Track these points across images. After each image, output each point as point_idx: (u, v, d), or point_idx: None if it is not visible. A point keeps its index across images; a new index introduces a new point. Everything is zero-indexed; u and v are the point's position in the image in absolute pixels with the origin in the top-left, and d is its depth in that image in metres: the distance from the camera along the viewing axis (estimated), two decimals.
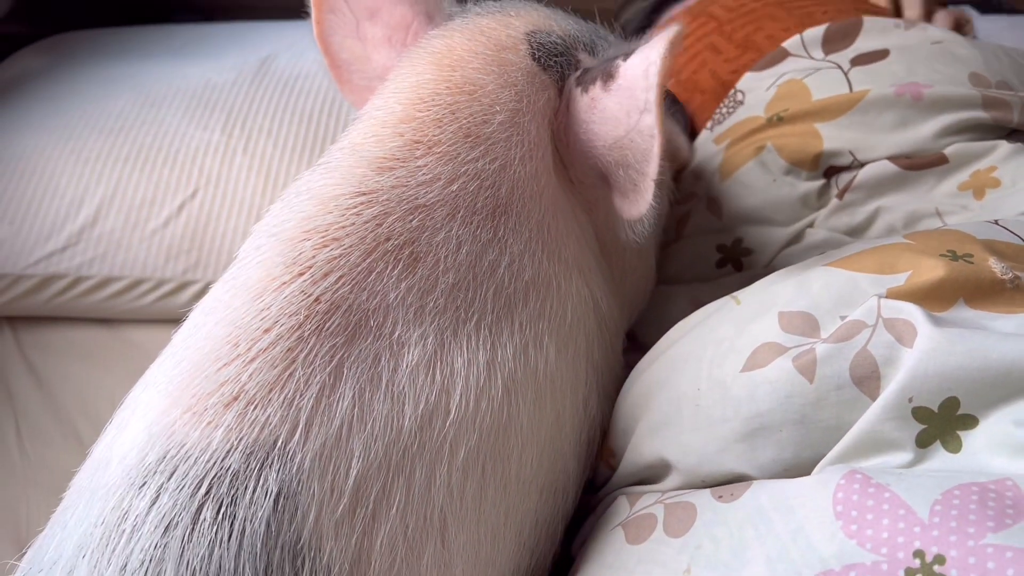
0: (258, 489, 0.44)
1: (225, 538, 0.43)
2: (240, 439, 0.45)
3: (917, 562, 0.41)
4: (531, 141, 0.60)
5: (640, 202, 0.60)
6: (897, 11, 0.98)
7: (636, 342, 0.79)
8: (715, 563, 0.47)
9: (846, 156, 0.76)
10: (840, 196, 0.76)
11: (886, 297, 0.50)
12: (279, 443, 0.45)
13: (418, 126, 0.57)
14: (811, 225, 0.76)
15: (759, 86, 0.86)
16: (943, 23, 0.97)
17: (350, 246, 0.52)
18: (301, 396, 0.46)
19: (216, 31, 1.50)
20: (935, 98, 0.74)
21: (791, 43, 0.87)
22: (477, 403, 0.52)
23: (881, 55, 0.80)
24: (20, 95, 1.28)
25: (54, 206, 1.11)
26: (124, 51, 1.41)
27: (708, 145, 0.87)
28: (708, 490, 0.53)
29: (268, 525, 0.44)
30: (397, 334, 0.50)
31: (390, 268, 0.52)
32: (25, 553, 0.49)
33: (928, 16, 0.97)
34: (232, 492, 0.44)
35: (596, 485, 0.65)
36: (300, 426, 0.46)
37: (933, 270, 0.51)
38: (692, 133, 0.92)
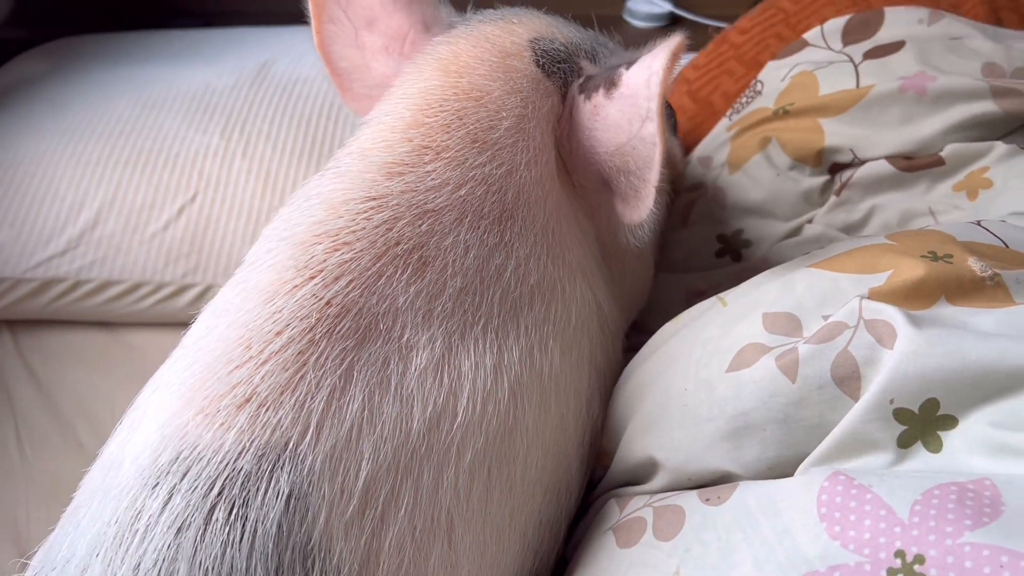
0: (270, 490, 0.44)
1: (237, 539, 0.43)
2: (252, 441, 0.45)
3: (898, 562, 0.41)
4: (536, 146, 0.61)
5: (641, 207, 0.61)
6: None
7: (638, 326, 0.80)
8: (704, 566, 0.48)
9: (847, 153, 0.77)
10: (838, 193, 0.77)
11: (868, 298, 0.51)
12: (291, 445, 0.46)
13: (427, 132, 0.58)
14: (810, 221, 0.77)
15: (776, 76, 0.87)
16: None
17: (361, 250, 0.52)
18: (312, 398, 0.47)
19: (215, 36, 1.51)
20: (940, 92, 0.74)
21: (811, 34, 0.88)
22: (484, 406, 0.52)
23: (896, 47, 0.81)
24: (20, 99, 1.28)
25: (54, 210, 1.11)
26: (124, 56, 1.41)
27: (720, 135, 0.89)
28: (696, 492, 0.54)
29: (279, 526, 0.44)
30: (406, 338, 0.51)
31: (399, 272, 0.52)
32: (30, 554, 0.49)
33: None
34: (244, 493, 0.44)
35: (590, 485, 0.66)
36: (311, 428, 0.46)
37: (913, 269, 0.52)
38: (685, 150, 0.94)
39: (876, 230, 0.74)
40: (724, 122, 0.90)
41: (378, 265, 0.52)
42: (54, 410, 1.05)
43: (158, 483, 0.45)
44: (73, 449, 1.00)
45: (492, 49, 0.64)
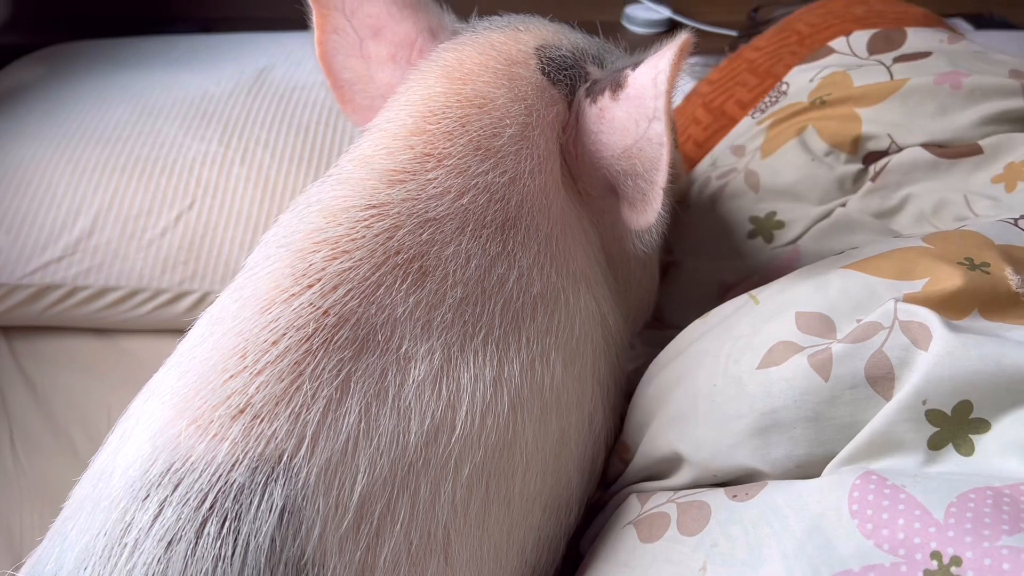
0: (263, 504, 0.44)
1: (229, 553, 0.42)
2: (246, 453, 0.45)
3: (935, 563, 0.41)
4: (540, 155, 0.60)
5: (649, 212, 0.59)
6: None
7: (663, 320, 0.79)
8: (731, 561, 0.48)
9: (884, 139, 0.77)
10: (873, 179, 0.76)
11: (903, 301, 0.51)
12: (285, 457, 0.45)
13: (429, 139, 0.57)
14: (843, 205, 0.77)
15: (803, 78, 0.88)
16: None
17: (360, 259, 0.51)
18: (308, 410, 0.46)
19: (214, 42, 1.50)
20: (974, 86, 0.75)
21: (837, 43, 0.89)
22: (483, 419, 0.51)
23: (924, 55, 0.82)
24: (18, 105, 1.27)
25: (51, 216, 1.11)
26: (122, 62, 1.40)
27: (751, 128, 0.89)
28: (722, 489, 0.53)
29: (272, 541, 0.43)
30: (404, 349, 0.50)
31: (399, 282, 0.52)
32: (18, 565, 0.49)
33: None
34: (237, 507, 0.43)
35: (607, 481, 0.65)
36: (306, 440, 0.45)
37: (950, 279, 0.51)
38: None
39: (910, 218, 0.74)
40: (748, 120, 0.90)
41: (377, 274, 0.51)
42: (49, 416, 1.04)
43: (149, 495, 0.44)
44: (68, 456, 0.99)
45: (497, 56, 0.63)
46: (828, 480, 0.48)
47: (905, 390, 0.47)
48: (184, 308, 1.10)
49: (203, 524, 0.43)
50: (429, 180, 0.55)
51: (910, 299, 0.51)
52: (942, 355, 0.47)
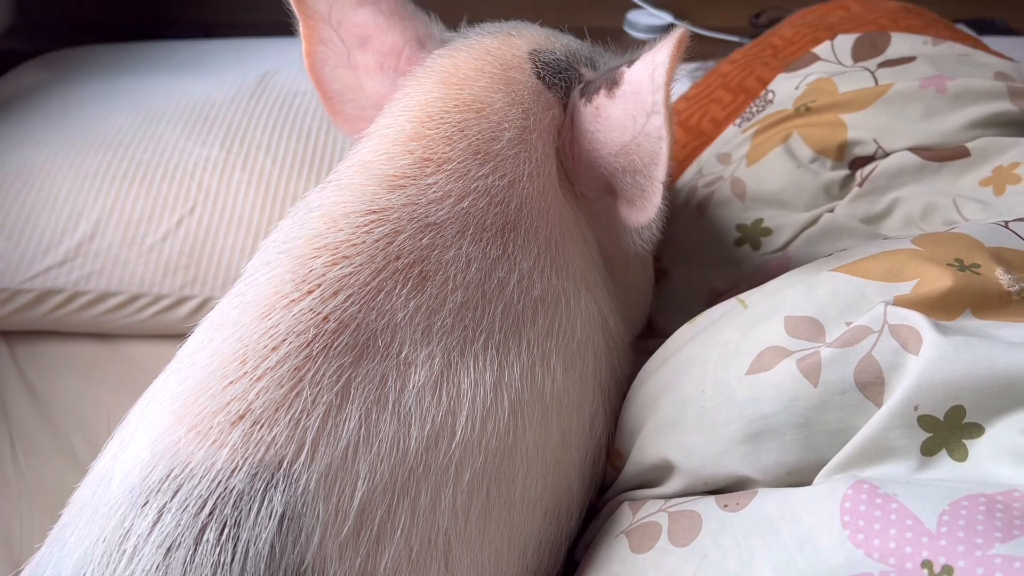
0: (262, 510, 0.43)
1: (228, 560, 0.42)
2: (245, 459, 0.44)
3: (925, 572, 0.41)
4: (538, 158, 0.60)
5: (648, 207, 0.59)
6: None
7: (652, 328, 0.79)
8: (722, 572, 0.47)
9: (870, 145, 0.77)
10: (861, 184, 0.76)
11: (893, 304, 0.50)
12: (285, 464, 0.45)
13: (428, 144, 0.57)
14: (830, 211, 0.77)
15: (789, 85, 0.88)
16: None
17: (360, 264, 0.51)
18: (308, 416, 0.46)
19: (216, 47, 1.51)
20: (959, 90, 0.75)
21: (821, 49, 0.89)
22: (483, 425, 0.51)
23: (908, 60, 0.82)
24: (20, 110, 1.27)
25: (52, 221, 1.11)
26: (124, 67, 1.41)
27: (736, 136, 0.89)
28: (713, 498, 0.53)
29: (272, 547, 0.43)
30: (404, 354, 0.50)
31: (399, 287, 0.51)
32: (20, 570, 0.49)
33: None
34: (236, 513, 0.43)
35: (601, 487, 0.65)
36: (306, 447, 0.45)
37: (940, 280, 0.51)
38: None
39: (898, 223, 0.73)
40: (733, 129, 0.90)
41: (378, 280, 0.51)
42: (50, 421, 1.04)
43: (148, 501, 0.44)
44: (68, 460, 0.99)
45: (493, 61, 0.63)
46: (819, 490, 0.47)
47: (896, 396, 0.47)
48: (185, 313, 1.10)
49: (202, 530, 0.43)
50: (429, 185, 0.55)
51: (900, 301, 0.51)
52: (933, 359, 0.46)
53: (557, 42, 0.68)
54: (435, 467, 0.49)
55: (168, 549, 0.42)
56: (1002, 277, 0.51)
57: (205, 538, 0.43)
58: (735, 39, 1.62)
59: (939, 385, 0.46)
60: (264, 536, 0.43)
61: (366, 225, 0.53)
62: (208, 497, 0.43)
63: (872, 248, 0.59)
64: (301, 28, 0.68)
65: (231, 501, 0.43)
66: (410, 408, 0.49)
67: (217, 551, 0.42)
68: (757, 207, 0.80)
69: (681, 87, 1.21)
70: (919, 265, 0.53)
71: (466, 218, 0.55)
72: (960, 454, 0.46)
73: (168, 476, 0.44)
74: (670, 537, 0.52)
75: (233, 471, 0.44)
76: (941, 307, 0.50)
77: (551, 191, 0.61)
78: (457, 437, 0.50)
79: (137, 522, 0.43)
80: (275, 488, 0.44)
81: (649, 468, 0.59)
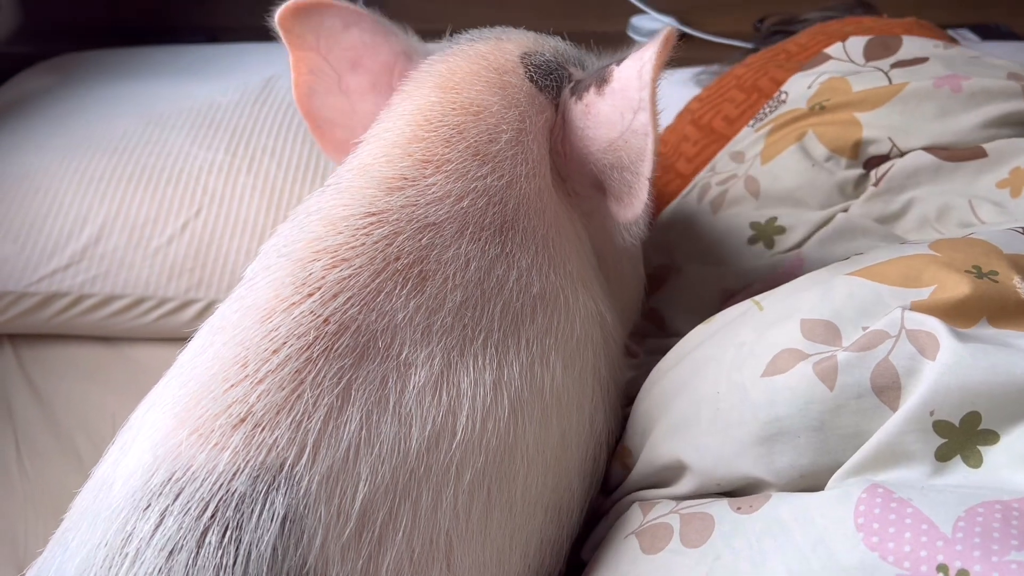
0: (264, 513, 0.44)
1: (230, 563, 0.42)
2: (247, 462, 0.45)
3: None
4: (534, 159, 0.61)
5: (636, 203, 0.60)
6: None
7: (664, 327, 0.79)
8: (734, 573, 0.47)
9: (885, 143, 0.76)
10: (876, 184, 0.76)
11: (910, 310, 0.50)
12: (286, 466, 0.45)
13: (427, 146, 0.58)
14: (845, 210, 0.77)
15: (802, 84, 0.88)
16: None
17: (360, 266, 0.52)
18: (309, 418, 0.46)
19: (221, 52, 1.51)
20: (974, 89, 0.75)
21: (833, 49, 0.89)
22: (484, 424, 0.51)
23: (921, 60, 0.82)
24: (25, 114, 1.28)
25: (58, 224, 1.11)
26: (129, 71, 1.41)
27: (750, 135, 0.89)
28: (725, 500, 0.53)
29: (274, 549, 0.43)
30: (404, 355, 0.50)
31: (399, 288, 0.52)
32: (23, 575, 0.49)
33: None
34: (238, 516, 0.43)
35: (609, 487, 0.65)
36: (307, 449, 0.45)
37: (957, 286, 0.51)
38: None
39: (913, 223, 0.73)
40: (747, 130, 0.90)
41: (377, 281, 0.51)
42: (55, 425, 1.04)
43: (150, 505, 0.44)
44: (73, 463, 0.99)
45: (487, 65, 0.64)
46: (833, 493, 0.47)
47: (912, 400, 0.47)
48: (190, 316, 1.11)
49: (204, 533, 0.43)
50: (429, 185, 0.56)
51: (917, 307, 0.51)
52: (950, 365, 0.46)
53: (546, 45, 0.69)
54: (436, 468, 0.49)
55: (170, 552, 0.42)
56: (1020, 286, 0.51)
57: (207, 541, 0.43)
58: (739, 44, 1.62)
59: (955, 391, 0.46)
60: (266, 539, 0.43)
61: (365, 227, 0.53)
62: (210, 500, 0.43)
63: (889, 252, 0.58)
64: (291, 60, 0.70)
65: (233, 504, 0.43)
66: (411, 409, 0.49)
67: (219, 554, 0.42)
68: (771, 205, 0.80)
69: (687, 91, 1.22)
70: (937, 271, 0.53)
71: (465, 217, 0.56)
72: (975, 460, 0.46)
73: (170, 479, 0.44)
74: (682, 539, 0.52)
75: (235, 474, 0.44)
76: (958, 314, 0.50)
77: (546, 191, 0.61)
78: (458, 437, 0.50)
79: (139, 525, 0.43)
80: (277, 491, 0.44)
81: (661, 468, 0.59)
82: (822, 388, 0.50)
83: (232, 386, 0.47)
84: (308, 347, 0.48)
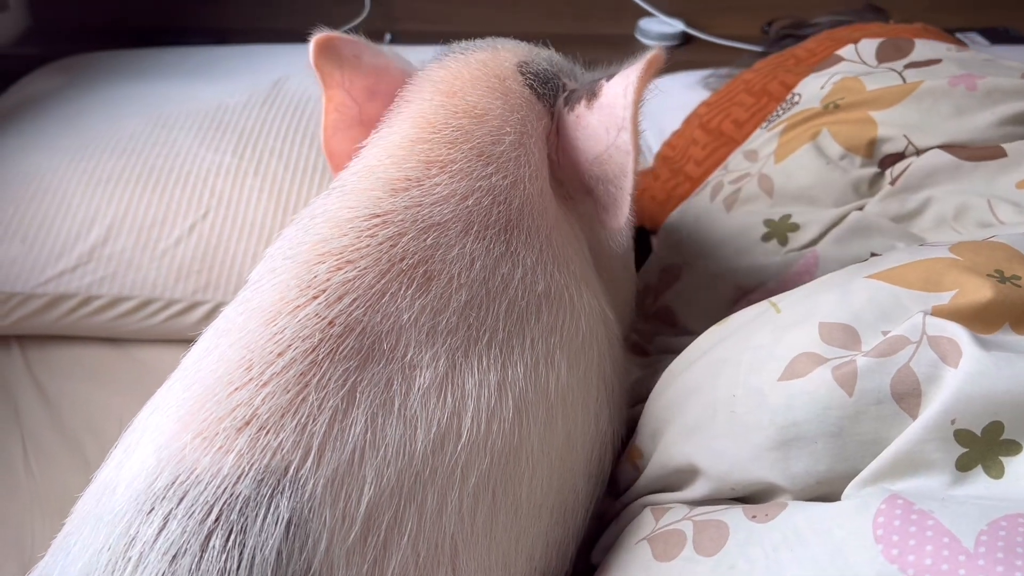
0: (269, 516, 0.43)
1: (234, 567, 0.42)
2: (252, 465, 0.44)
3: None
4: (536, 162, 0.62)
5: (619, 215, 0.64)
6: None
7: (676, 325, 0.79)
8: None
9: (900, 141, 0.76)
10: (893, 183, 0.76)
11: (931, 315, 0.50)
12: (291, 469, 0.45)
13: (431, 148, 0.59)
14: (860, 208, 0.76)
15: (815, 84, 0.88)
16: None
17: (365, 268, 0.52)
18: (314, 421, 0.46)
19: (229, 53, 1.51)
20: (990, 88, 0.75)
21: (844, 51, 0.89)
22: (488, 425, 0.51)
23: (934, 62, 0.82)
24: (33, 115, 1.28)
25: (65, 225, 1.11)
26: (137, 72, 1.41)
27: (763, 134, 0.89)
28: (740, 508, 0.52)
29: (279, 554, 0.43)
30: (409, 356, 0.50)
31: (404, 288, 0.52)
32: None
33: None
34: (242, 519, 0.43)
35: (619, 488, 0.65)
36: (312, 452, 0.45)
37: (979, 291, 0.50)
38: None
39: (930, 222, 0.73)
40: (760, 130, 0.90)
41: (383, 282, 0.51)
42: (61, 426, 1.04)
43: (153, 508, 0.43)
44: (80, 466, 0.99)
45: (488, 72, 0.66)
46: (852, 503, 0.47)
47: (933, 408, 0.46)
48: (197, 318, 1.11)
49: (208, 537, 0.43)
50: (433, 185, 0.56)
51: (938, 312, 0.50)
52: (972, 373, 0.45)
53: (540, 54, 0.71)
54: (441, 470, 0.49)
55: (174, 556, 0.42)
56: None
57: (211, 545, 0.42)
58: (747, 47, 1.62)
59: (978, 400, 0.45)
60: (270, 542, 0.43)
61: (370, 229, 0.54)
62: (214, 503, 0.43)
63: (908, 255, 0.58)
64: (324, 101, 0.71)
65: (237, 507, 0.43)
66: (416, 411, 0.49)
67: (223, 558, 0.42)
68: (785, 203, 0.80)
69: (695, 95, 1.22)
70: (958, 275, 0.52)
71: (470, 216, 0.56)
72: (996, 471, 0.45)
73: (174, 482, 0.44)
74: (695, 546, 0.51)
75: (239, 477, 0.44)
76: (980, 319, 0.49)
77: (547, 193, 0.62)
78: (463, 439, 0.50)
79: (143, 529, 0.43)
80: (281, 494, 0.44)
81: (673, 471, 0.59)
82: (841, 393, 0.50)
83: (237, 389, 0.47)
84: (313, 350, 0.48)
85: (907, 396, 0.48)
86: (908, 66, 0.82)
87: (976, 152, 0.72)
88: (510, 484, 0.52)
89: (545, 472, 0.55)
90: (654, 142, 1.37)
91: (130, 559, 0.42)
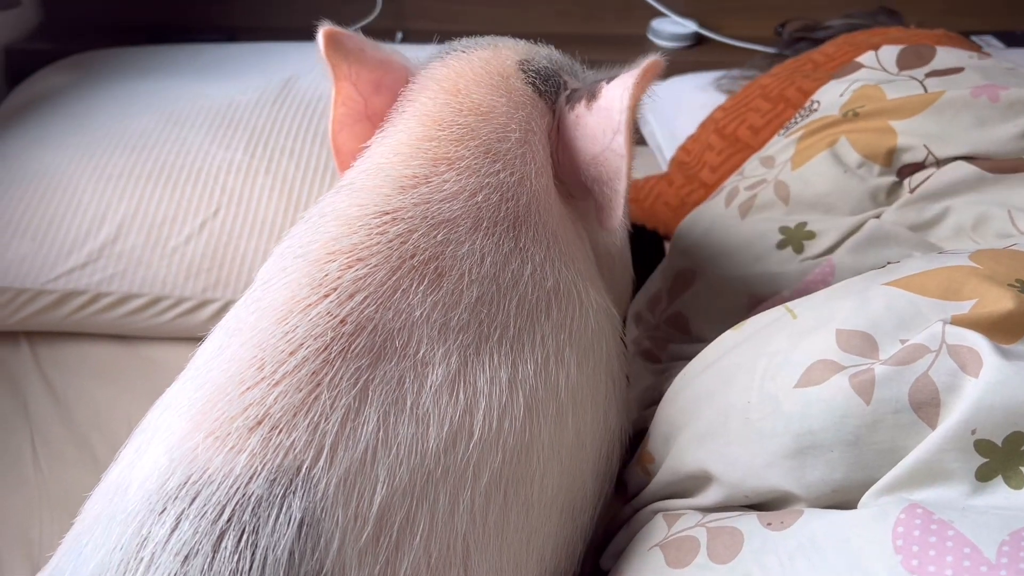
0: (281, 516, 0.43)
1: (246, 568, 0.42)
2: (264, 464, 0.44)
3: None
4: (540, 159, 0.62)
5: (613, 216, 0.65)
6: None
7: (688, 331, 0.78)
8: None
9: (920, 150, 0.76)
10: (912, 191, 0.75)
11: (951, 324, 0.49)
12: (303, 469, 0.44)
13: (439, 145, 0.59)
14: (877, 216, 0.76)
15: (835, 91, 0.87)
16: None
17: (375, 265, 0.51)
18: (326, 420, 0.46)
19: (240, 51, 1.51)
20: (1012, 99, 0.74)
21: (865, 58, 0.89)
22: (500, 423, 0.51)
23: (956, 70, 0.81)
24: (44, 112, 1.28)
25: (76, 222, 1.11)
26: (148, 70, 1.41)
27: (780, 140, 0.88)
28: (755, 515, 0.52)
29: (291, 554, 0.43)
30: (421, 353, 0.50)
31: (415, 284, 0.52)
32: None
33: None
34: (255, 520, 0.43)
35: (629, 493, 0.64)
36: (325, 451, 0.45)
37: (1000, 301, 0.50)
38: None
39: (949, 231, 0.72)
40: (777, 137, 0.89)
41: (394, 279, 0.51)
42: (71, 423, 1.04)
43: (165, 508, 0.43)
44: (88, 464, 0.99)
45: (491, 70, 0.66)
46: (870, 512, 0.46)
47: (953, 417, 0.46)
48: (207, 316, 1.11)
49: (220, 538, 0.42)
50: (442, 182, 0.56)
51: (957, 321, 0.49)
52: (993, 383, 0.45)
53: (540, 52, 0.71)
54: (453, 469, 0.48)
55: (186, 557, 0.42)
56: None
57: (223, 545, 0.42)
58: (759, 48, 1.62)
59: (999, 410, 0.45)
60: (283, 543, 0.43)
61: (380, 226, 0.53)
62: (226, 504, 0.43)
63: (927, 263, 0.57)
64: (333, 95, 0.71)
65: (249, 507, 0.43)
66: (428, 409, 0.49)
67: (235, 558, 0.42)
68: (801, 210, 0.80)
69: (707, 96, 1.21)
70: (978, 284, 0.52)
71: (479, 212, 0.56)
72: (1017, 481, 0.45)
73: (186, 483, 0.44)
74: (709, 553, 0.51)
75: (252, 477, 0.44)
76: (1000, 329, 0.49)
77: (552, 191, 0.63)
78: (475, 437, 0.49)
79: (155, 529, 0.43)
80: (294, 494, 0.44)
81: (685, 477, 0.58)
82: (858, 402, 0.49)
83: (249, 388, 0.46)
84: (325, 348, 0.48)
85: (925, 405, 0.48)
86: (930, 74, 0.81)
87: (1001, 164, 0.72)
88: (521, 483, 0.52)
89: (556, 470, 0.55)
90: (665, 144, 1.37)
91: (142, 559, 0.42)
